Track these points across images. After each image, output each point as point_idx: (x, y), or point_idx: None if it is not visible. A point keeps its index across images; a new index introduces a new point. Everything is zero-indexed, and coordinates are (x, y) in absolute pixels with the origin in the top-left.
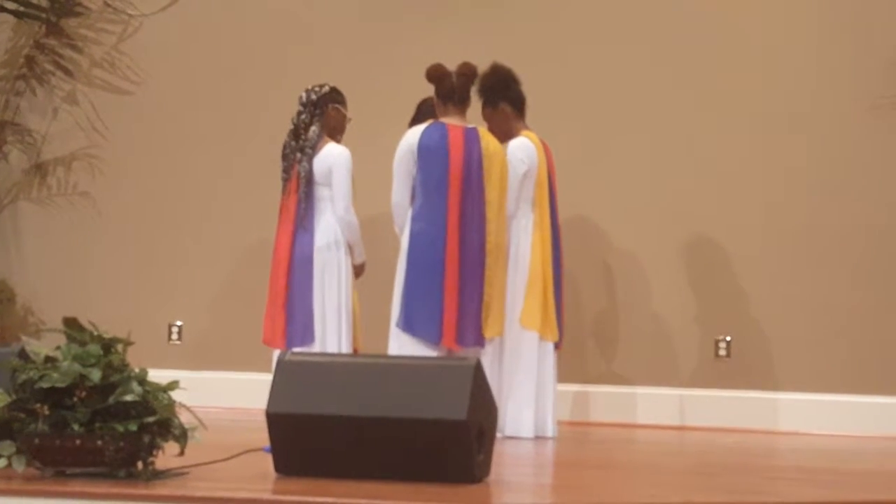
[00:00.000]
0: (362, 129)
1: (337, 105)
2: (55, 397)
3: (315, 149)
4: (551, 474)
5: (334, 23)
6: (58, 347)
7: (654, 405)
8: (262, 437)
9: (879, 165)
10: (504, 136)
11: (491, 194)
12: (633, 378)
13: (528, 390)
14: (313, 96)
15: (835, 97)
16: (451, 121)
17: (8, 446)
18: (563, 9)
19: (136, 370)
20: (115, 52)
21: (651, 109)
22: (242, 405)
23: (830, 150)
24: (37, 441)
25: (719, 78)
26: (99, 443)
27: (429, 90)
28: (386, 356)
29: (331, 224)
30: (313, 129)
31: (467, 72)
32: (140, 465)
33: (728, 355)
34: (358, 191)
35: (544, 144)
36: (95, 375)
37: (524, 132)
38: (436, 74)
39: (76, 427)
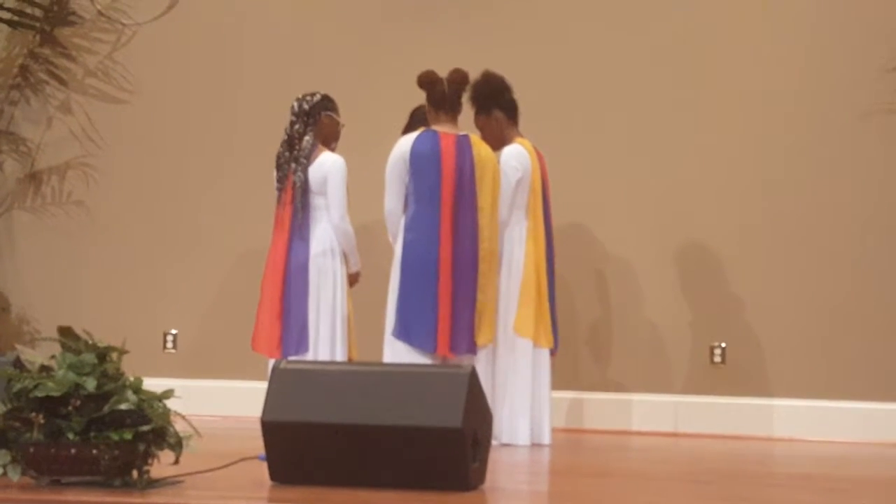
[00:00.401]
0: (355, 138)
1: (329, 112)
2: (50, 406)
3: (309, 158)
4: (546, 482)
5: (327, 32)
6: (53, 356)
7: (649, 412)
8: (258, 446)
9: (875, 175)
10: (498, 143)
11: (483, 201)
12: (627, 385)
13: (524, 398)
14: (305, 105)
15: (830, 106)
16: (442, 128)
17: (3, 455)
18: (555, 16)
19: (131, 379)
20: (109, 61)
21: (645, 117)
22: (237, 413)
23: (825, 160)
24: (32, 450)
25: (713, 87)
26: (94, 452)
27: (421, 98)
28: (381, 364)
29: (327, 232)
30: (307, 138)
31: (458, 78)
32: (135, 473)
33: (723, 362)
34: (351, 199)
35: (538, 151)
36: (90, 384)
37: (518, 139)
38: (427, 80)
39: (71, 436)
